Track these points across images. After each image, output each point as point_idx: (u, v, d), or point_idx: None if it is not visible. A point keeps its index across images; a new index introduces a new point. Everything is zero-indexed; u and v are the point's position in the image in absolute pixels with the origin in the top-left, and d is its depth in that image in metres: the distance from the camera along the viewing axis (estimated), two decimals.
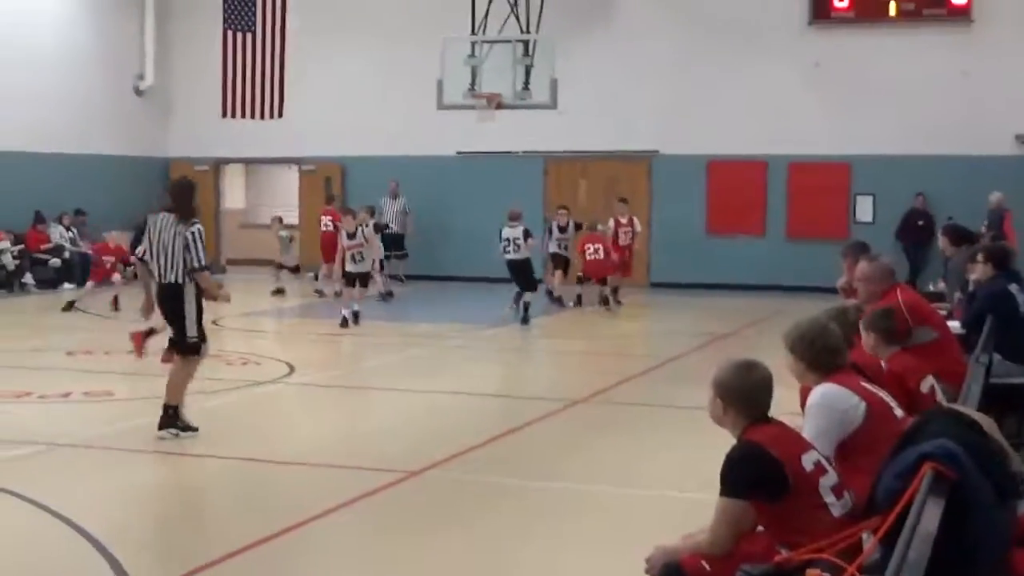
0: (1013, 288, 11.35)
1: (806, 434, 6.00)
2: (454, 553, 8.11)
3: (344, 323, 19.50)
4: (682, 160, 27.14)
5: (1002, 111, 24.95)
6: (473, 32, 23.23)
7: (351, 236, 20.16)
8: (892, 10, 26.13)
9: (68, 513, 8.49)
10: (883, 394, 6.39)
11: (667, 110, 27.36)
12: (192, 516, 9.16)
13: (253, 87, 29.70)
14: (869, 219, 26.25)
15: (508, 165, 28.41)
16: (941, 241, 14.64)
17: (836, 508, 5.25)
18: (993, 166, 24.84)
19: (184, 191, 11.63)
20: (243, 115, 29.65)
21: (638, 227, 23.73)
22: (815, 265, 24.94)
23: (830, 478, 5.29)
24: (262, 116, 29.68)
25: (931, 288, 15.43)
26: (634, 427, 12.50)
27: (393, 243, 27.33)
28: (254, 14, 29.34)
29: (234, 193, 34.07)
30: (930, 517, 4.30)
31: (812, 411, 6.17)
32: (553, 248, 23.26)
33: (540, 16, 23.12)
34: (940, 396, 7.17)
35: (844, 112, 26.33)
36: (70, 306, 21.64)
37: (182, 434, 11.19)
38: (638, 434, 12.11)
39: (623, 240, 23.15)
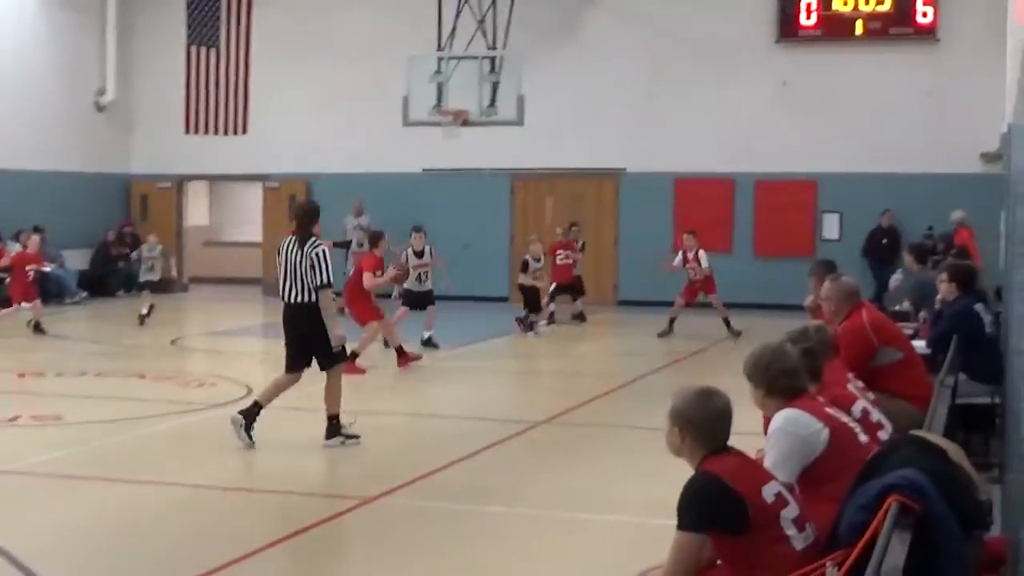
0: (979, 308, 11.22)
1: (768, 461, 5.81)
2: None
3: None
4: (649, 178, 27.01)
5: (967, 129, 24.91)
6: (439, 48, 23.07)
7: (419, 255, 19.61)
8: (858, 28, 26.10)
9: (3, 542, 8.20)
10: (847, 419, 6.22)
11: (634, 128, 27.24)
12: (136, 546, 8.82)
13: (217, 103, 29.54)
14: (836, 237, 26.20)
15: (474, 182, 28.23)
16: (906, 260, 14.53)
17: (798, 541, 5.04)
18: (958, 184, 24.80)
19: (305, 213, 12.01)
20: (207, 131, 29.50)
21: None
22: (782, 283, 24.85)
23: (791, 510, 5.07)
24: (226, 132, 29.53)
25: (896, 307, 15.28)
26: (595, 449, 12.28)
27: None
28: (218, 29, 29.18)
29: (197, 210, 33.74)
30: (896, 551, 4.16)
31: (774, 437, 5.98)
32: (528, 281, 22.52)
33: (507, 33, 22.97)
34: (877, 417, 6.93)
35: (811, 130, 26.28)
36: (37, 327, 21.00)
37: (348, 442, 11.76)
38: (598, 457, 11.89)
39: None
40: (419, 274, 19.48)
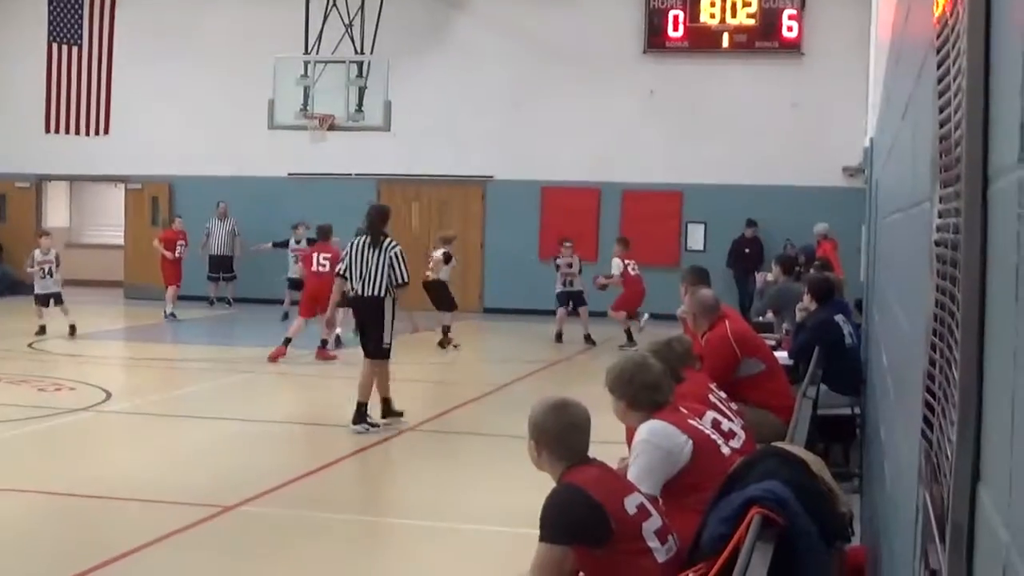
0: (839, 319, 11.38)
1: (631, 473, 5.80)
2: None
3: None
4: (516, 185, 27.03)
5: (831, 143, 25.34)
6: (306, 52, 22.84)
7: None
8: (725, 41, 26.41)
9: None
10: (709, 431, 6.24)
11: (502, 135, 27.26)
12: None
13: (78, 102, 28.96)
14: (700, 247, 26.43)
15: (340, 187, 27.99)
16: (774, 271, 14.70)
17: (660, 553, 5.01)
18: (821, 197, 25.19)
19: (378, 215, 13.44)
20: (67, 131, 28.87)
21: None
22: (649, 292, 25.03)
23: (654, 522, 5.04)
24: (87, 132, 28.95)
25: (760, 318, 15.45)
26: (458, 457, 12.24)
27: (221, 265, 26.79)
28: (81, 27, 28.60)
29: (57, 211, 33.02)
30: (758, 563, 4.14)
31: (638, 448, 5.96)
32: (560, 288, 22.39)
33: (375, 38, 22.83)
34: (728, 427, 6.96)
35: (677, 140, 26.52)
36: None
37: (371, 429, 12.68)
38: (461, 464, 11.85)
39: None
40: None
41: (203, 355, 18.72)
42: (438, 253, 21.31)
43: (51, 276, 20.86)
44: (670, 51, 26.76)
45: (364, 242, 13.06)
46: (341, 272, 13.38)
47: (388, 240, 13.04)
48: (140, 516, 9.43)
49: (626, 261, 21.67)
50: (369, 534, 9.15)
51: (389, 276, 12.85)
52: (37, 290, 20.99)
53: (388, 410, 13.24)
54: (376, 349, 13.02)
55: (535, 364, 19.00)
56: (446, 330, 20.70)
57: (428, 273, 21.16)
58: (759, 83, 26.20)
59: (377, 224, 13.20)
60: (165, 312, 24.39)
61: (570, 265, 22.22)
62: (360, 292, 12.98)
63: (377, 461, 11.83)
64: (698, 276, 11.08)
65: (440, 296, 20.98)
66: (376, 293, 12.89)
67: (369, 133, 23.29)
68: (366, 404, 12.85)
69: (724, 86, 26.35)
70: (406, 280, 13.00)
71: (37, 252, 21.03)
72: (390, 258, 12.86)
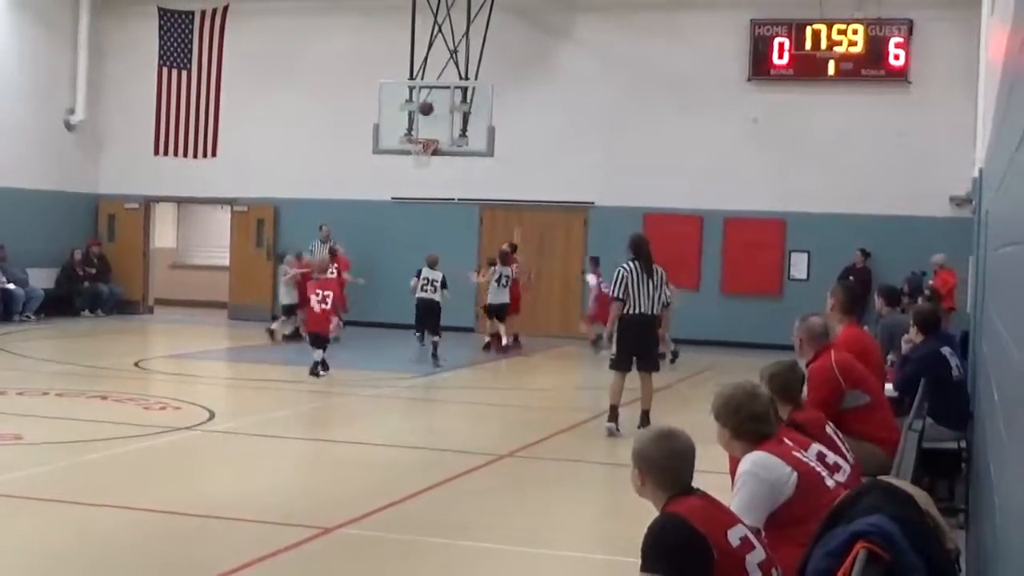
0: (946, 351, 11.18)
1: (735, 504, 5.74)
2: None
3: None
4: (618, 212, 26.96)
5: (937, 172, 25.01)
6: (411, 77, 23.04)
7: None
8: (831, 69, 26.20)
9: None
10: (814, 463, 6.16)
11: (604, 162, 27.25)
12: (92, 571, 8.70)
13: (187, 125, 29.41)
14: (804, 276, 26.18)
15: (443, 212, 28.16)
16: (877, 302, 14.50)
17: None
18: (928, 226, 24.88)
19: (646, 243, 15.10)
20: (176, 153, 29.35)
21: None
22: (748, 321, 24.89)
23: (758, 554, 4.99)
24: (195, 155, 29.39)
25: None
26: (556, 484, 12.19)
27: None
28: (190, 52, 29.07)
29: (165, 232, 33.57)
30: None
31: (741, 479, 5.91)
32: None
33: (479, 63, 22.98)
34: (834, 460, 6.90)
35: (781, 168, 26.33)
36: None
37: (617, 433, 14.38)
38: (559, 491, 11.80)
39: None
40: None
41: (307, 376, 18.83)
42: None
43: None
44: (775, 79, 26.61)
45: (638, 268, 14.53)
46: (620, 296, 14.47)
47: (659, 269, 14.77)
48: (240, 536, 9.50)
49: (600, 279, 22.89)
50: (466, 559, 9.14)
51: (661, 296, 14.91)
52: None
53: (646, 420, 14.25)
54: (655, 363, 14.89)
55: (634, 392, 18.87)
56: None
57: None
58: (864, 112, 25.96)
59: (648, 252, 14.76)
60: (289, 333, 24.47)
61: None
62: (644, 311, 14.47)
63: (476, 486, 11.82)
64: (843, 294, 10.99)
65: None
66: (655, 312, 14.66)
67: (472, 158, 23.42)
68: (648, 412, 14.50)
69: (829, 114, 26.13)
70: (670, 301, 15.07)
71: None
72: (663, 280, 14.85)
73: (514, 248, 24.76)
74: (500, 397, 18.99)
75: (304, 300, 21.80)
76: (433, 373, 20.65)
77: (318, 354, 18.66)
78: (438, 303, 22.21)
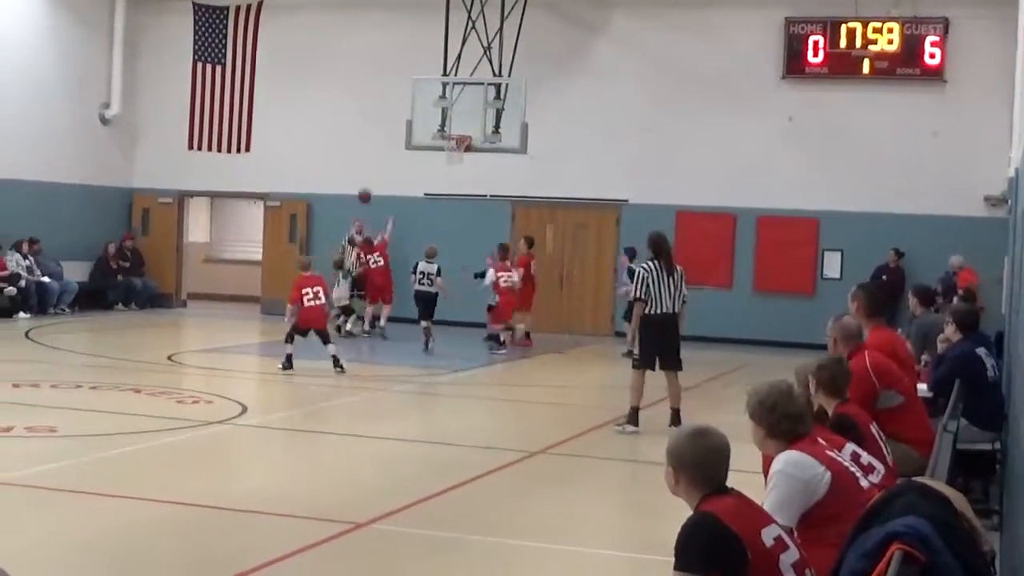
0: (981, 351, 11.11)
1: (768, 503, 5.72)
2: None
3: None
4: (651, 209, 26.87)
5: (972, 172, 24.88)
6: (444, 73, 23.04)
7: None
8: (866, 68, 26.08)
9: None
10: (848, 463, 6.13)
11: (638, 159, 27.19)
12: (125, 563, 8.72)
13: (221, 120, 29.43)
14: (837, 275, 26.06)
15: (476, 208, 28.16)
16: (911, 302, 14.42)
17: None
18: (962, 226, 24.75)
19: (666, 242, 15.03)
20: (210, 148, 29.37)
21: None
22: (781, 319, 24.81)
23: (791, 554, 4.96)
24: (229, 150, 29.39)
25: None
26: (588, 481, 12.18)
27: (355, 283, 26.99)
28: (224, 47, 29.10)
29: (198, 226, 33.71)
30: None
31: (775, 479, 5.89)
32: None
33: (513, 60, 22.97)
34: (868, 460, 6.86)
35: (815, 167, 26.23)
36: None
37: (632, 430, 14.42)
38: (591, 489, 11.80)
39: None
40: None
41: (336, 373, 18.86)
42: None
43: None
44: (809, 77, 26.51)
45: (659, 267, 14.53)
46: (642, 296, 14.48)
47: (679, 269, 14.80)
48: (272, 530, 9.53)
49: (499, 273, 23.26)
50: (497, 555, 9.14)
51: (680, 294, 14.69)
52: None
53: (677, 418, 14.25)
54: (678, 361, 14.75)
55: (664, 391, 18.83)
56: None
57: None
58: (900, 110, 25.83)
59: (668, 251, 14.81)
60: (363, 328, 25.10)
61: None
62: (666, 309, 14.48)
63: (508, 483, 11.82)
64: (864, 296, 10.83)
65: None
66: (676, 311, 14.60)
67: (505, 155, 23.41)
68: (678, 410, 14.46)
69: (864, 113, 26.01)
70: (686, 299, 14.87)
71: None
72: (681, 275, 14.72)
73: (531, 243, 24.81)
74: (528, 394, 18.99)
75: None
76: (462, 369, 20.65)
77: (332, 348, 18.71)
78: (435, 295, 23.17)
